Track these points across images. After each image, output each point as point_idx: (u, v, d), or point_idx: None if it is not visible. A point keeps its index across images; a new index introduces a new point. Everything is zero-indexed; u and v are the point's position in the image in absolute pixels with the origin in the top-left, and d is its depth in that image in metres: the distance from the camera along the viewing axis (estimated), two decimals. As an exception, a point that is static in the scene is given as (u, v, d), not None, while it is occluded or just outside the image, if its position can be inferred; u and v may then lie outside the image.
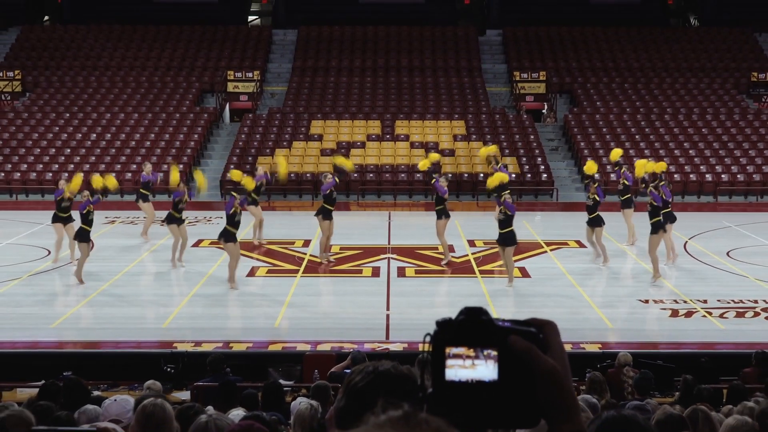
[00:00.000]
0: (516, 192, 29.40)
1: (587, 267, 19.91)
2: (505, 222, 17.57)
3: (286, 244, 22.13)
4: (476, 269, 19.63)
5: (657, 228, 17.86)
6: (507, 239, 17.64)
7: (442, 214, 19.45)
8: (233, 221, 17.31)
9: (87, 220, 17.94)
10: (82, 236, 17.97)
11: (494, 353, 1.60)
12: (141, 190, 22.54)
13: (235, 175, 20.42)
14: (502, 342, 1.61)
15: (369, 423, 1.44)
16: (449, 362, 1.60)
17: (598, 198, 19.52)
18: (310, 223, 20.86)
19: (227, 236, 17.34)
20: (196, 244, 21.85)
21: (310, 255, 20.64)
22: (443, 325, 1.64)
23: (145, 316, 16.24)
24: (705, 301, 16.95)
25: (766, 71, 36.78)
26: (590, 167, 21.48)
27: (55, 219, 19.85)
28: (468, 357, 1.60)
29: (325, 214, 19.64)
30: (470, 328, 1.62)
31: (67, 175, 20.24)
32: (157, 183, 23.92)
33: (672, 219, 19.34)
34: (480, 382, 1.60)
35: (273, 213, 26.47)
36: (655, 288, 17.93)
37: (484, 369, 1.60)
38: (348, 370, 10.91)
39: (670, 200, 19.52)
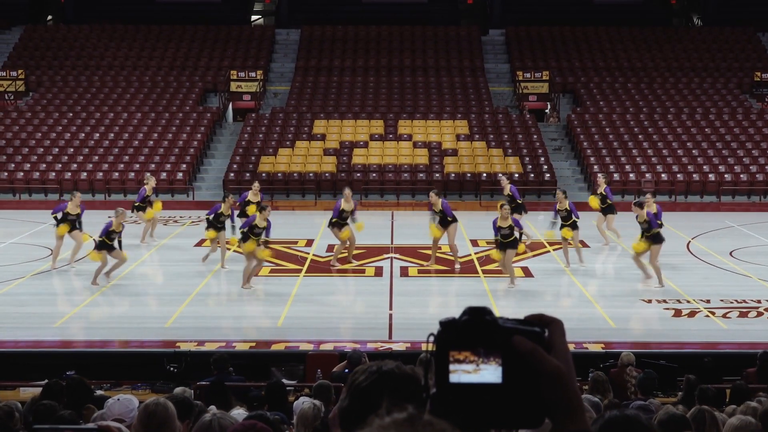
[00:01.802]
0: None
1: (590, 267, 19.89)
2: (510, 233, 17.63)
3: (288, 243, 22.13)
4: (479, 269, 19.63)
5: (658, 239, 17.83)
6: (512, 243, 17.71)
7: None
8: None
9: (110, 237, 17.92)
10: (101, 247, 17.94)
11: (498, 356, 1.60)
12: (137, 203, 22.32)
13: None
14: (506, 343, 1.60)
15: (373, 425, 1.44)
16: (453, 366, 1.60)
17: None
18: (312, 222, 20.88)
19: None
20: (199, 244, 21.87)
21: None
22: (447, 325, 1.63)
23: (148, 316, 16.25)
24: (708, 301, 16.94)
25: (769, 71, 36.76)
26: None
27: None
28: (472, 360, 1.60)
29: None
30: (474, 328, 1.61)
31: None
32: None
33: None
34: (484, 385, 1.60)
35: (275, 213, 26.43)
36: (657, 287, 17.89)
37: (488, 372, 1.60)
38: (347, 370, 10.92)
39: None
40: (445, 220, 19.20)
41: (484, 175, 30.19)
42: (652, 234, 17.71)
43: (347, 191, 19.92)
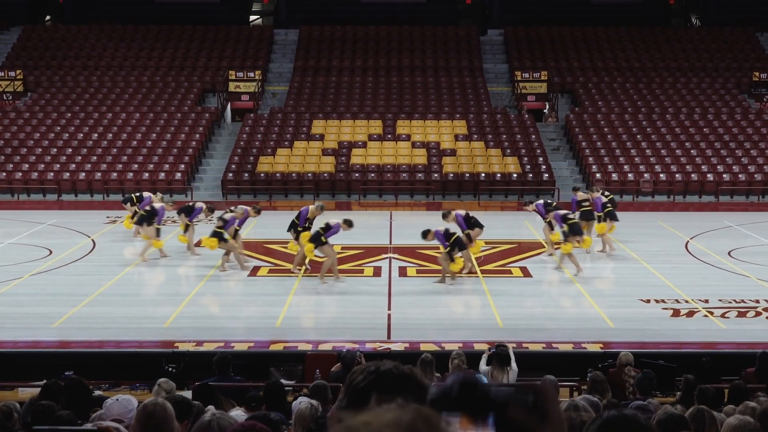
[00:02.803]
0: (517, 192, 29.45)
1: (589, 267, 19.89)
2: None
3: (288, 243, 22.08)
4: (477, 269, 19.62)
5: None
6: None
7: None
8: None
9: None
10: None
11: (492, 428, 1.59)
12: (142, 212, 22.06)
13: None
14: (499, 414, 1.60)
15: (364, 414, 1.44)
16: None
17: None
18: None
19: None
20: (198, 244, 21.82)
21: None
22: (440, 396, 1.63)
23: (147, 316, 16.23)
24: (706, 301, 16.94)
25: (767, 71, 36.77)
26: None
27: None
28: (466, 430, 1.60)
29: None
30: (467, 400, 1.61)
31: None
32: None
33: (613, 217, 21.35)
34: None
35: (275, 213, 26.47)
36: (657, 287, 17.91)
37: None
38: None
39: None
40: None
41: (483, 175, 30.20)
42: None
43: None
